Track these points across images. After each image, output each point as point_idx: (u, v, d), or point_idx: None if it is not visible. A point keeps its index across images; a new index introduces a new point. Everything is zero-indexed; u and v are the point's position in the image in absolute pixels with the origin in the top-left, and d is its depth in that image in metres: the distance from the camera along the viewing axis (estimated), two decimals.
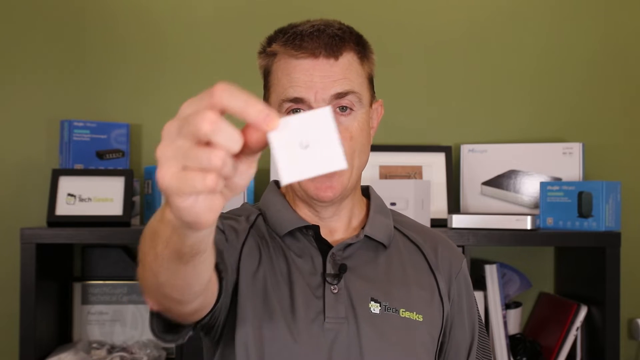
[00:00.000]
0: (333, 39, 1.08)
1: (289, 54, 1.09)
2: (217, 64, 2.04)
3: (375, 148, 2.01)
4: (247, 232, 1.15)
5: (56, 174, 1.81)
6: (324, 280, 1.11)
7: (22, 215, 1.97)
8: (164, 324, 0.99)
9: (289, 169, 0.64)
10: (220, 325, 1.10)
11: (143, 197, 1.98)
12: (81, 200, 1.80)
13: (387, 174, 1.98)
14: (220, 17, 2.06)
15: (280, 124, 0.64)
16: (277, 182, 1.24)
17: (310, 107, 1.07)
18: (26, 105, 2.01)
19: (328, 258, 1.12)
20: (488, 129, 2.07)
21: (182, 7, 2.05)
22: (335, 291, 1.10)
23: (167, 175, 0.62)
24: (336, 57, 1.08)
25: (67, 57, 2.03)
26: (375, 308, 1.11)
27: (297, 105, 1.08)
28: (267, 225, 1.17)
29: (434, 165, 1.99)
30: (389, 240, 1.18)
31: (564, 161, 1.95)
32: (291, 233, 1.14)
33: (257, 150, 0.64)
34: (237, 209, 1.23)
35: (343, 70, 1.09)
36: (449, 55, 2.08)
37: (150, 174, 1.93)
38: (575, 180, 1.92)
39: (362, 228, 1.17)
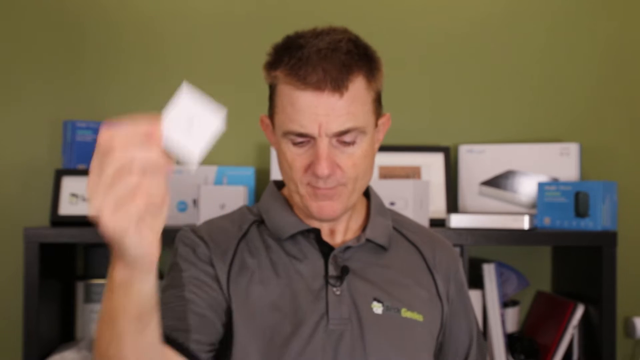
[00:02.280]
0: (340, 70, 1.04)
1: (292, 84, 1.05)
2: (219, 65, 2.05)
3: None
4: (236, 246, 1.15)
5: (59, 174, 1.83)
6: (327, 282, 1.12)
7: (25, 215, 1.99)
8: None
9: (191, 157, 0.74)
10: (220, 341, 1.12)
11: None
12: (84, 200, 1.82)
13: (386, 174, 1.99)
14: (222, 20, 2.07)
15: (164, 125, 0.74)
16: (276, 183, 1.23)
17: (313, 139, 1.06)
18: (29, 106, 2.03)
19: (330, 260, 1.13)
20: (486, 130, 2.09)
21: (184, 9, 2.07)
22: (338, 293, 1.11)
23: (107, 219, 0.71)
24: (341, 93, 1.04)
25: (69, 58, 2.04)
26: (377, 308, 1.12)
27: (301, 138, 1.07)
28: (266, 229, 1.17)
29: (433, 165, 2.01)
30: (389, 242, 1.19)
31: (561, 161, 1.96)
32: (292, 236, 1.15)
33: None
34: (228, 216, 1.22)
35: (348, 105, 1.05)
36: (447, 56, 2.09)
37: None
38: (572, 180, 1.94)
39: (363, 230, 1.18)
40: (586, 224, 1.79)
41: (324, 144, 1.05)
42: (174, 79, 2.05)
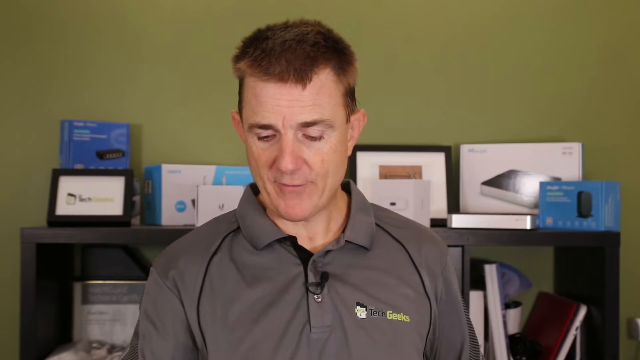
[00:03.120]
0: (304, 61, 1.01)
1: (256, 76, 1.02)
2: (218, 63, 2.04)
3: (375, 148, 2.02)
4: (204, 276, 1.11)
5: (56, 174, 1.82)
6: (307, 290, 1.08)
7: (22, 215, 1.97)
8: None
9: None
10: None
11: (143, 196, 1.98)
12: (81, 200, 1.81)
13: (387, 173, 1.98)
14: (219, 17, 2.06)
15: None
16: (253, 186, 1.19)
17: (278, 132, 1.02)
18: (26, 105, 2.02)
19: (309, 267, 1.09)
20: (488, 129, 2.07)
21: (182, 7, 2.05)
22: (319, 300, 1.07)
23: None
24: (304, 85, 1.01)
25: (67, 57, 2.03)
26: (361, 313, 1.09)
27: (265, 131, 1.03)
28: (243, 237, 1.14)
29: (434, 165, 2.00)
30: (371, 242, 1.15)
31: (564, 161, 1.95)
32: (269, 244, 1.11)
33: None
34: (200, 231, 1.19)
35: (313, 96, 1.01)
36: (449, 55, 2.08)
37: (150, 173, 1.93)
38: (574, 180, 1.93)
39: (343, 231, 1.14)
40: (589, 224, 1.78)
41: (288, 138, 1.02)
42: (172, 80, 2.05)
